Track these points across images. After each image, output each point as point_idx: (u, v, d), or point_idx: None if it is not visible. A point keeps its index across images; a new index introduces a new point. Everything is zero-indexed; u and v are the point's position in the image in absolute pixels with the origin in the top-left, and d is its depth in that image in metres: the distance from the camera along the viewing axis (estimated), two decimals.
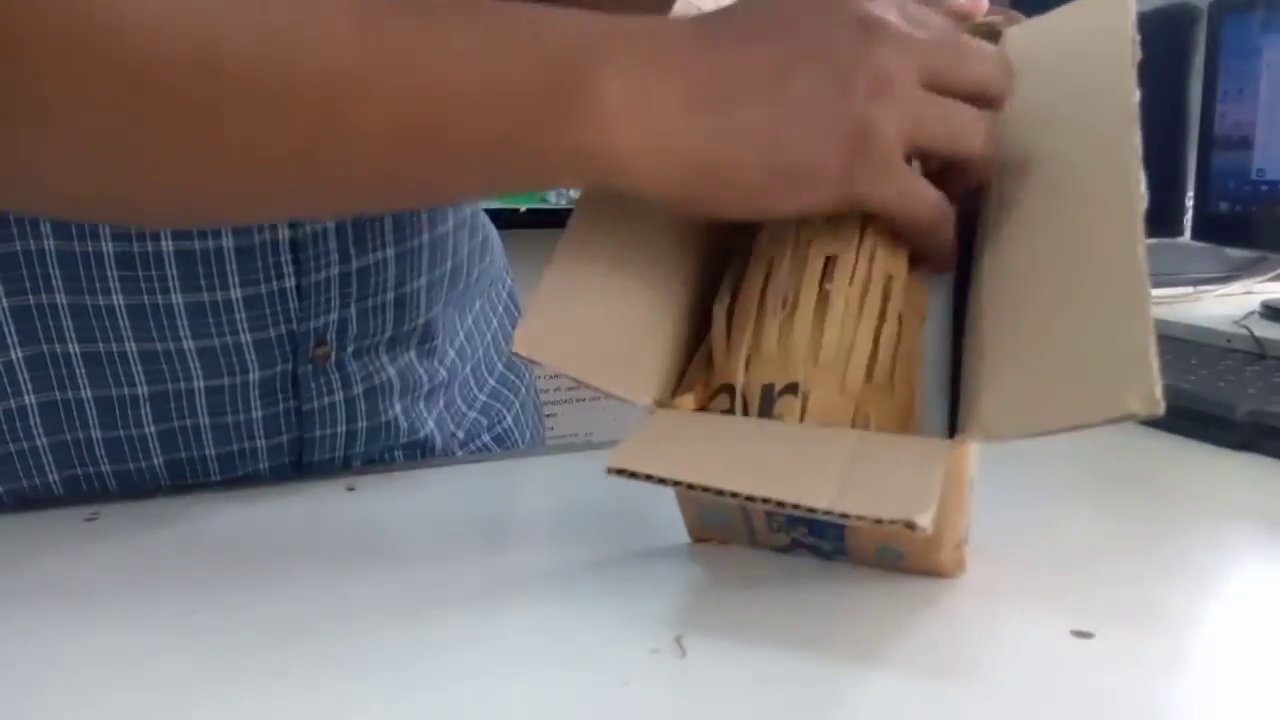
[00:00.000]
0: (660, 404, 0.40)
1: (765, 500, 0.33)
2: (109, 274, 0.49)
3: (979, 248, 0.43)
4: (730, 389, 0.40)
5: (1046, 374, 0.35)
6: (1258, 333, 0.76)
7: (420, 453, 0.60)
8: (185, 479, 0.54)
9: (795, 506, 0.33)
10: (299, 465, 0.56)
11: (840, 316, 0.40)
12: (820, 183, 0.39)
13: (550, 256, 0.41)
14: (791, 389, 0.39)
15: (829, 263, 0.41)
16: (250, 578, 0.41)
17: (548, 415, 0.76)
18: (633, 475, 0.35)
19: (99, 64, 0.35)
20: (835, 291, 0.40)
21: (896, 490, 0.33)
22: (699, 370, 0.42)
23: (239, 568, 0.42)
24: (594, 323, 0.40)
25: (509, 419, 0.69)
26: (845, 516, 0.32)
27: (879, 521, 0.32)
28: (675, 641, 0.35)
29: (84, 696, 0.33)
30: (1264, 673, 0.34)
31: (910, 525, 0.31)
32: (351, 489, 0.52)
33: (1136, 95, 0.40)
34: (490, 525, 0.48)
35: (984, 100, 0.42)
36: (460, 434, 0.65)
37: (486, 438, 0.67)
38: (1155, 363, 0.33)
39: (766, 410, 0.39)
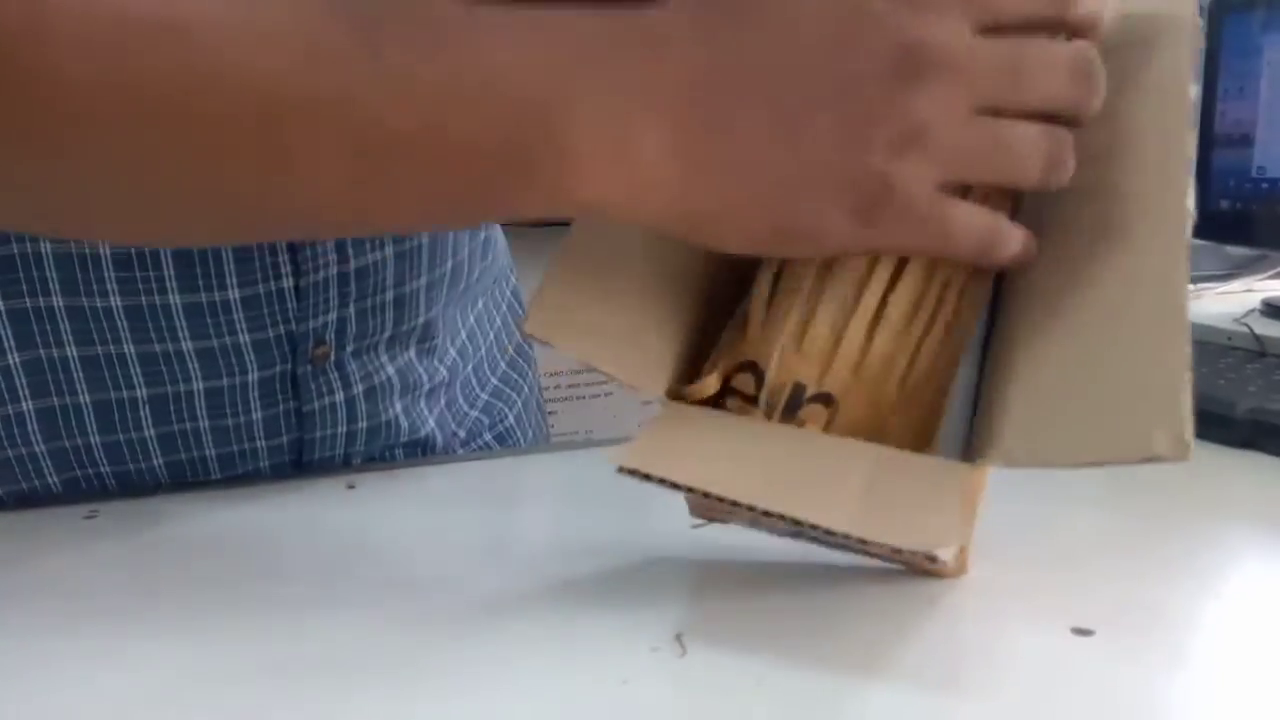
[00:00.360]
0: (672, 394, 0.39)
1: (782, 517, 0.33)
2: (106, 275, 0.49)
3: None
4: (755, 369, 0.39)
5: (1073, 404, 0.34)
6: (1258, 330, 0.76)
7: (421, 452, 0.60)
8: (185, 479, 0.54)
9: (814, 526, 0.32)
10: (299, 465, 0.56)
11: (895, 329, 0.38)
12: (829, 242, 0.37)
13: (564, 237, 0.40)
14: (823, 399, 0.38)
15: (900, 268, 0.38)
16: (250, 576, 0.41)
17: (549, 413, 0.76)
18: (645, 477, 0.34)
19: (30, 106, 0.34)
20: (893, 304, 0.38)
21: (916, 516, 0.33)
22: (734, 336, 0.40)
23: (239, 566, 0.42)
24: (608, 304, 0.39)
25: (511, 418, 0.69)
26: (864, 542, 0.32)
27: (898, 551, 0.31)
28: (675, 640, 0.35)
29: (82, 696, 0.33)
30: (1264, 672, 0.34)
31: (931, 558, 0.31)
32: (352, 487, 0.52)
33: (1194, 90, 0.38)
34: (490, 523, 0.48)
35: (1054, 119, 0.37)
36: (462, 433, 0.64)
37: (488, 436, 0.67)
38: (1187, 403, 0.31)
39: (792, 408, 0.38)
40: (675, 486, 0.34)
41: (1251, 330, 0.76)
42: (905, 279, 0.38)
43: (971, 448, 0.37)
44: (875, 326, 0.38)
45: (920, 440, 0.38)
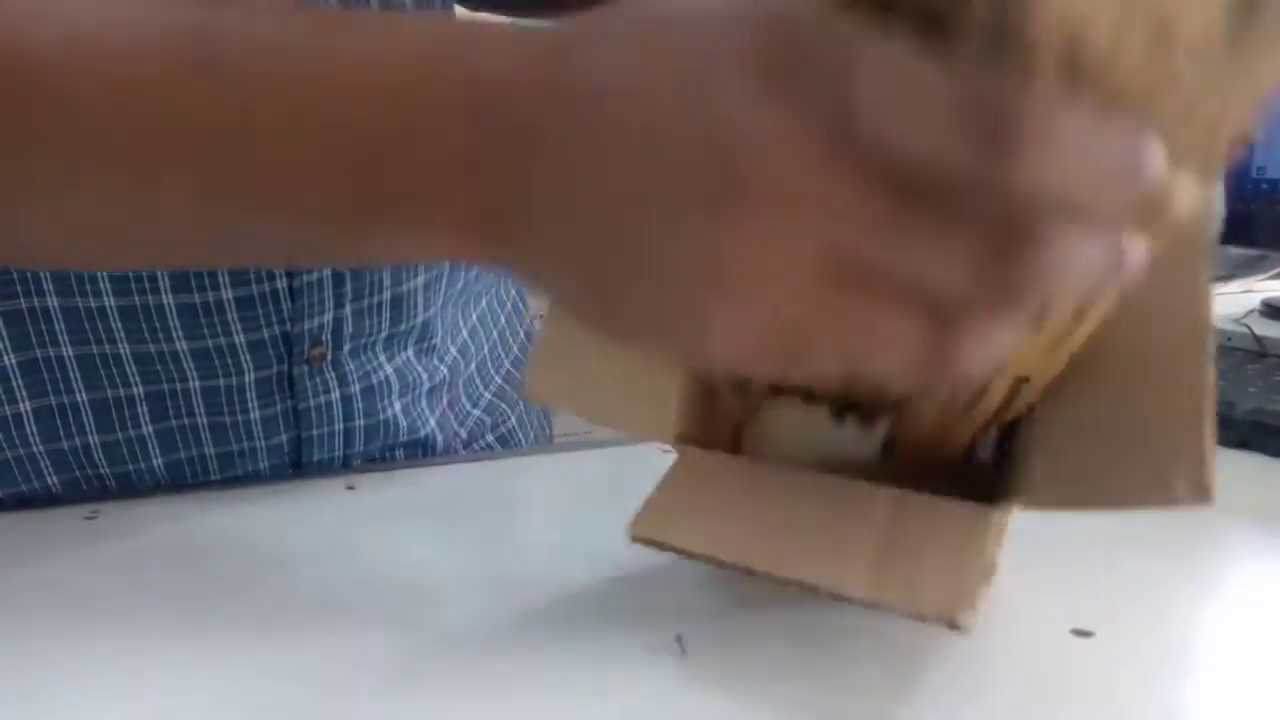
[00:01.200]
0: (682, 436, 0.37)
1: (798, 584, 0.32)
2: (99, 275, 0.49)
3: None
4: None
5: (1094, 446, 0.33)
6: (1258, 331, 0.76)
7: (421, 452, 0.60)
8: (185, 479, 0.54)
9: (830, 593, 0.32)
10: (298, 464, 0.56)
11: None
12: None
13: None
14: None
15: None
16: (249, 577, 0.41)
17: (553, 412, 0.75)
18: (660, 546, 0.34)
19: None
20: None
21: (936, 579, 0.31)
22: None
23: (238, 566, 0.42)
24: (604, 351, 0.38)
25: (514, 418, 0.68)
26: (878, 606, 0.31)
27: (919, 617, 0.30)
28: (675, 640, 0.35)
29: (82, 695, 0.33)
30: (1264, 673, 0.34)
31: (953, 625, 0.30)
32: (351, 488, 0.52)
33: None
34: (490, 523, 0.48)
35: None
36: (464, 433, 0.64)
37: (490, 437, 0.67)
38: (1211, 447, 0.31)
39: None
40: (688, 554, 0.34)
41: (1251, 330, 0.76)
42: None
43: (998, 488, 0.36)
44: None
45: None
